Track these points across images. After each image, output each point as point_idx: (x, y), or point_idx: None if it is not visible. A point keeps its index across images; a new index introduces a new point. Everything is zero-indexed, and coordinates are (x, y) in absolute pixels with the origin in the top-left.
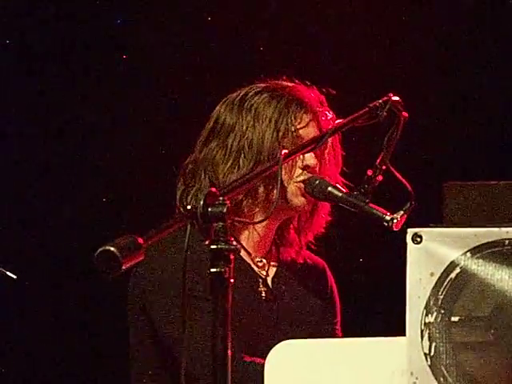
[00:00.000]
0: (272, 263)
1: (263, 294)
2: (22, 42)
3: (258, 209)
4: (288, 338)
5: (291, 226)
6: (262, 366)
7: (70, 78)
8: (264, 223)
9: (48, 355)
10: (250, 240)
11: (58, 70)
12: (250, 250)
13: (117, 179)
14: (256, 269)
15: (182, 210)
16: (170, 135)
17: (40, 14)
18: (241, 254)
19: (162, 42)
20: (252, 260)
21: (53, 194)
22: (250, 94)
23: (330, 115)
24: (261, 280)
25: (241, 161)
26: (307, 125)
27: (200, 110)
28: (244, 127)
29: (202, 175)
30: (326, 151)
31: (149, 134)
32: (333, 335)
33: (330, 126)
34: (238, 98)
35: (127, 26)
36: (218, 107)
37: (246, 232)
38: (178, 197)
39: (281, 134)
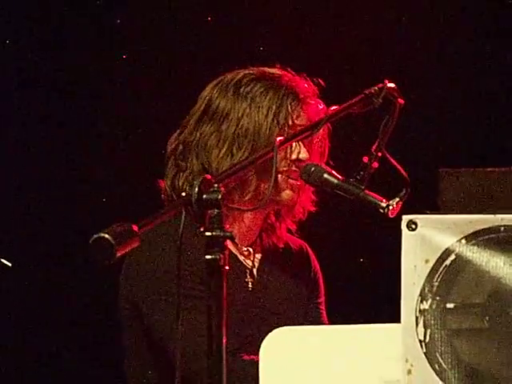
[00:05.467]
0: (257, 252)
1: (250, 285)
2: (21, 41)
3: (247, 198)
4: (274, 328)
5: (271, 211)
6: (254, 362)
7: (69, 77)
8: (250, 213)
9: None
10: (236, 230)
11: (58, 69)
12: (236, 240)
13: (115, 179)
14: (242, 259)
15: (174, 195)
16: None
17: (39, 14)
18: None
19: (162, 41)
20: (238, 250)
21: (49, 188)
22: (245, 80)
23: (321, 107)
24: (247, 271)
25: (234, 149)
26: (303, 118)
27: None
28: (239, 114)
29: (194, 159)
30: (314, 141)
31: (148, 134)
32: (318, 315)
33: (325, 113)
34: (233, 82)
35: (127, 25)
36: (209, 89)
37: (234, 222)
38: (169, 179)
39: (280, 125)
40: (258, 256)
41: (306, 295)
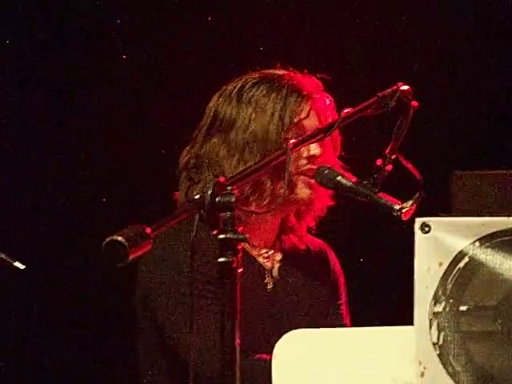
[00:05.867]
0: (276, 254)
1: (269, 287)
2: (21, 41)
3: (265, 203)
4: (294, 329)
5: (291, 212)
6: (269, 362)
7: (69, 77)
8: (269, 215)
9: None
10: (255, 233)
11: (58, 69)
12: (255, 243)
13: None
14: (261, 261)
15: (187, 200)
16: (171, 135)
17: (39, 14)
18: (246, 247)
19: (162, 41)
20: (257, 253)
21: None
22: (247, 85)
23: (328, 101)
24: (266, 272)
25: (246, 155)
26: (309, 114)
27: (200, 109)
28: (246, 121)
29: (207, 171)
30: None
31: (149, 133)
32: (338, 317)
33: (338, 116)
34: (235, 90)
35: (127, 25)
36: (213, 101)
37: (252, 225)
38: (183, 192)
39: (285, 125)
40: (278, 258)
41: (326, 296)
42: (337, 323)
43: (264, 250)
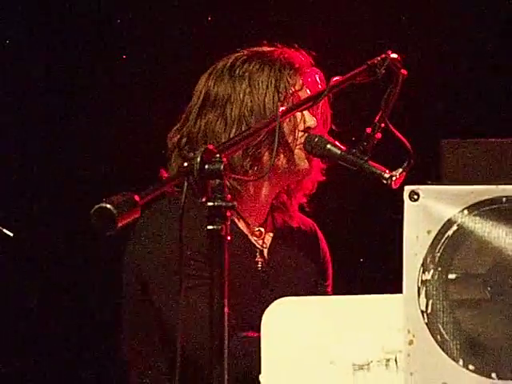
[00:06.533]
0: (268, 233)
1: (259, 265)
2: (21, 41)
3: (263, 175)
4: None
5: (282, 189)
6: (257, 339)
7: (69, 77)
8: (265, 190)
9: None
10: (249, 209)
11: (58, 69)
12: (248, 219)
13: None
14: (253, 239)
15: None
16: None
17: (39, 14)
18: (239, 225)
19: (162, 41)
20: (250, 230)
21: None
22: (238, 62)
23: (318, 75)
24: (257, 251)
25: (243, 128)
26: (302, 87)
27: None
28: (241, 95)
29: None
30: (318, 111)
31: (149, 134)
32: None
33: (328, 83)
34: (226, 67)
35: (127, 25)
36: (203, 81)
37: (246, 201)
38: (175, 170)
39: (282, 96)
40: (270, 236)
41: (315, 276)
42: None
43: (256, 229)
